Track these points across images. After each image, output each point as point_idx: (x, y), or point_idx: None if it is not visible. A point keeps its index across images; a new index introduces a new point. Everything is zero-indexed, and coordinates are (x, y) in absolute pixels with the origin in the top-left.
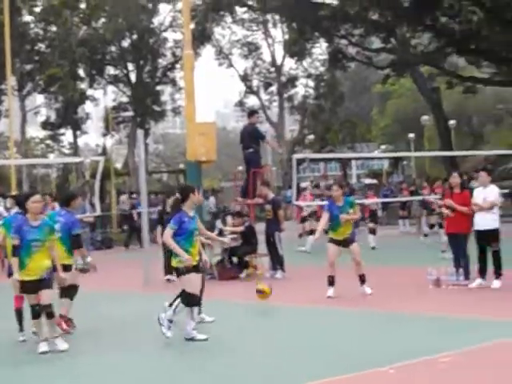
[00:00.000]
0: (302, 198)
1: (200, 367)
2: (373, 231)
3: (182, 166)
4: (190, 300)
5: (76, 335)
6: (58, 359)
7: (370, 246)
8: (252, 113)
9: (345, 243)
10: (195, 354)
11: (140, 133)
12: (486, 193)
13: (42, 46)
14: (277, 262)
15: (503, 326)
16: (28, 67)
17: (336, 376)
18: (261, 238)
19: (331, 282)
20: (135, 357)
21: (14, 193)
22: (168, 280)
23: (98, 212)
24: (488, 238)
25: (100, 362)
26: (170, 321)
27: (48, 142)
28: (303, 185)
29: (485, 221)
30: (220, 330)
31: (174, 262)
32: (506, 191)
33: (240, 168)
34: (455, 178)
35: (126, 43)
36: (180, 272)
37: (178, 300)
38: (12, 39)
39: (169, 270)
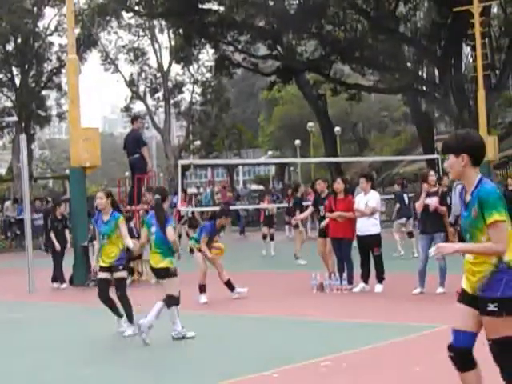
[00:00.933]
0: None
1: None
2: (271, 237)
3: (67, 171)
4: (176, 300)
5: None
6: None
7: (271, 254)
8: (135, 118)
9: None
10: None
11: (23, 138)
12: (368, 199)
13: None
14: None
15: (384, 329)
16: None
17: (220, 381)
18: None
19: (202, 289)
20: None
21: None
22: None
23: None
24: (370, 243)
25: None
26: (150, 327)
27: None
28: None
29: (366, 226)
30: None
31: (165, 263)
32: (389, 197)
33: (127, 174)
34: (339, 184)
35: (10, 47)
36: (171, 273)
37: (160, 304)
38: None
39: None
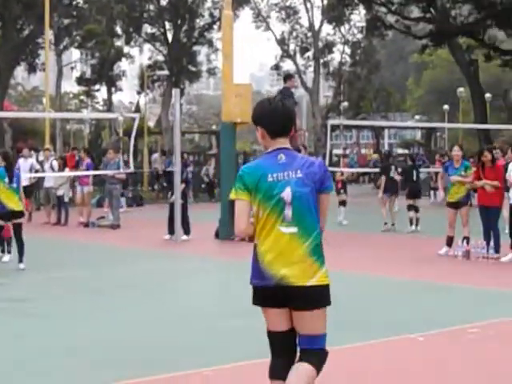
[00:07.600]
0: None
1: None
2: None
3: (214, 127)
4: None
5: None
6: None
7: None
8: (288, 77)
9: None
10: None
11: (176, 92)
12: None
13: (79, 1)
14: None
15: None
16: (65, 22)
17: (366, 341)
18: None
19: (448, 243)
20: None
21: (47, 146)
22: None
23: (132, 169)
24: None
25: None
26: None
27: (82, 97)
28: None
29: None
30: None
31: None
32: None
33: None
34: (487, 157)
35: (164, 2)
36: None
37: None
38: None
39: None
